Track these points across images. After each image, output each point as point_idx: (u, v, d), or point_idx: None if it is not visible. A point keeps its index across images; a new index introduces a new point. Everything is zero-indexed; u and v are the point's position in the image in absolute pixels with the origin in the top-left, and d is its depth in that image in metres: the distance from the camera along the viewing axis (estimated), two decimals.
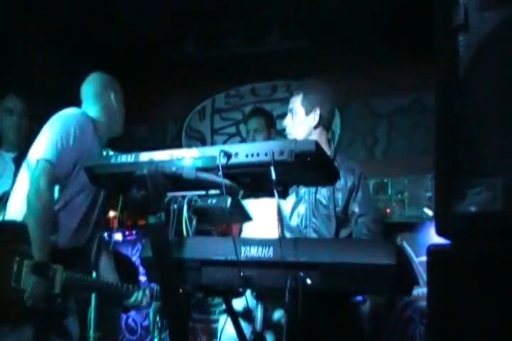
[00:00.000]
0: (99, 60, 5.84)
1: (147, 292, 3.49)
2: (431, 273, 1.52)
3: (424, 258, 4.46)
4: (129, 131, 6.10)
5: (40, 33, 5.37)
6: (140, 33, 5.54)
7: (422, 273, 3.87)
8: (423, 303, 4.66)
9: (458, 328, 1.47)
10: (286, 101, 5.63)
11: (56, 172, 3.16)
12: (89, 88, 3.61)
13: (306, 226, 3.51)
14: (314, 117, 3.51)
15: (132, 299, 3.47)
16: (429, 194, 4.95)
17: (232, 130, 6.12)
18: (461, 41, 1.56)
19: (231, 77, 6.08)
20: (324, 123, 3.55)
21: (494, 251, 1.46)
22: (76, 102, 3.55)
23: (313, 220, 3.50)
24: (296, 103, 3.55)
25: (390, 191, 5.14)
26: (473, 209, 1.46)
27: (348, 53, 5.38)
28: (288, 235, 3.57)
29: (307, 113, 3.52)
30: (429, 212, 4.92)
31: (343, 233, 3.51)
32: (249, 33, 5.66)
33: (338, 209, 3.49)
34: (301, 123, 3.54)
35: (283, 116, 3.83)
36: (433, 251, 1.52)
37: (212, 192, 2.59)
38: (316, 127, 3.54)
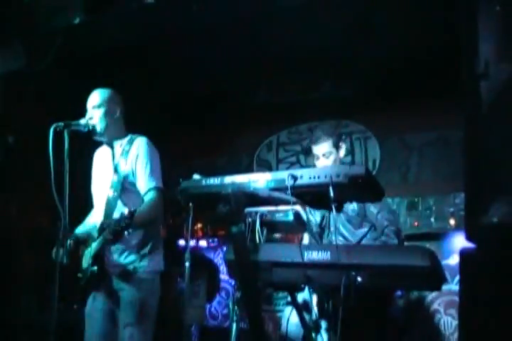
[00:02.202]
0: (189, 106, 6.01)
1: None
2: (463, 270, 1.52)
3: (447, 261, 4.50)
4: (211, 161, 6.30)
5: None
6: (222, 84, 5.63)
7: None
8: (446, 298, 4.67)
9: (485, 316, 1.45)
10: None
11: None
12: None
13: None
14: (342, 151, 3.62)
15: None
16: (451, 209, 4.98)
17: (294, 159, 6.19)
18: (482, 87, 1.56)
19: (292, 118, 6.12)
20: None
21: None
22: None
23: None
24: (328, 147, 3.56)
25: (419, 208, 5.17)
26: (494, 220, 1.46)
27: (386, 98, 5.35)
28: None
29: (337, 150, 3.60)
30: (453, 223, 4.94)
31: None
32: (307, 82, 5.71)
33: None
34: (336, 158, 3.58)
35: None
36: (464, 253, 1.52)
37: (281, 207, 2.62)
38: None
